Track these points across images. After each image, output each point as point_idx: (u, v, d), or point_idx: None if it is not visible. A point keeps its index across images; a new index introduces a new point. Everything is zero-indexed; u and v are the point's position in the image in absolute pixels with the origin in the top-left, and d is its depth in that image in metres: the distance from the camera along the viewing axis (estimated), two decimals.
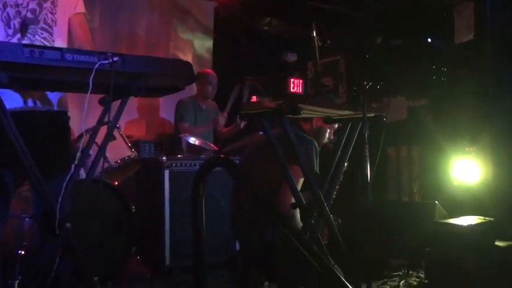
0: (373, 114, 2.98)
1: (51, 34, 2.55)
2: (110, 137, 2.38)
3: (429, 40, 4.97)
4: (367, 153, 3.04)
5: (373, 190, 3.08)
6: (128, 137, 4.24)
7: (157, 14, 6.06)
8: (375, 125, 3.06)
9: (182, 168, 4.09)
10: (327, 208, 2.74)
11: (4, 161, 2.40)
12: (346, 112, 2.93)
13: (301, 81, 3.26)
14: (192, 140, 4.48)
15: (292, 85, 3.27)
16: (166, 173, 4.01)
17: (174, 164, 4.04)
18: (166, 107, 5.75)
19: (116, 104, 2.27)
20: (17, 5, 2.50)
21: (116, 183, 4.09)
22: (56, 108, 2.55)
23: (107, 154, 3.80)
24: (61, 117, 2.59)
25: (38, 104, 2.48)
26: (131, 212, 3.81)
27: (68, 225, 2.15)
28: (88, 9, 2.78)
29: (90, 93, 2.01)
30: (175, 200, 3.98)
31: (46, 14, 2.54)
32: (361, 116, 2.90)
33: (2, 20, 2.47)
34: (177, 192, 3.98)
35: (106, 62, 2.02)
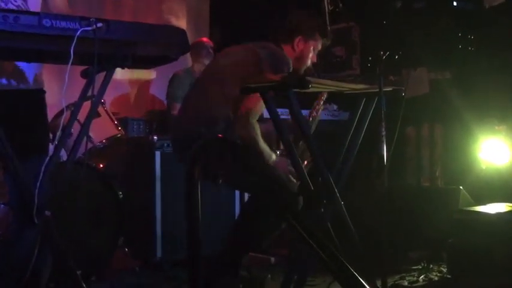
0: (390, 89, 2.97)
1: (26, 1, 2.53)
2: (93, 113, 2.38)
3: (455, 3, 4.93)
4: (384, 132, 3.04)
5: (390, 173, 3.08)
6: (114, 113, 4.24)
7: None
8: (393, 101, 3.06)
9: None
10: (338, 194, 2.74)
11: None
12: (360, 86, 2.92)
13: None
14: None
15: None
16: (158, 154, 4.01)
17: (166, 145, 4.04)
18: (157, 81, 5.75)
19: (100, 77, 2.26)
20: None
21: (101, 165, 4.10)
22: (31, 83, 2.55)
23: (91, 133, 3.80)
24: (37, 95, 2.58)
25: (12, 79, 2.49)
26: (118, 198, 3.82)
27: (47, 213, 2.17)
28: None
29: (71, 64, 2.01)
30: (167, 184, 3.99)
31: None
32: (377, 90, 2.89)
33: None
34: (169, 176, 3.99)
35: (89, 28, 2.02)
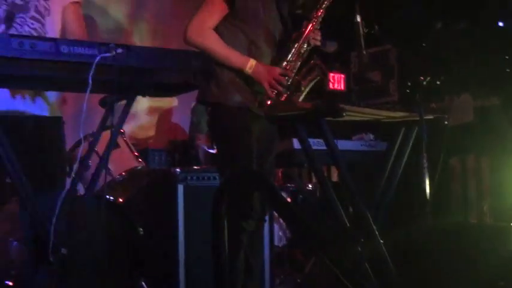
0: (431, 117, 2.95)
1: (43, 25, 2.59)
2: (113, 144, 2.41)
3: (501, 23, 4.91)
4: (426, 164, 3.01)
5: (433, 209, 3.05)
6: (134, 144, 4.28)
7: None
8: (435, 130, 3.03)
9: (199, 182, 4.10)
10: (376, 231, 2.72)
11: None
12: (399, 114, 2.90)
13: (342, 76, 3.25)
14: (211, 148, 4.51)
15: (332, 81, 3.26)
16: (181, 187, 4.02)
17: (189, 177, 4.05)
18: (180, 109, 5.79)
19: (120, 106, 2.29)
20: None
21: (121, 200, 4.12)
22: (48, 112, 2.59)
23: (110, 165, 3.83)
24: (54, 123, 2.63)
25: (29, 106, 2.53)
26: (138, 235, 3.83)
27: (63, 251, 2.18)
28: None
29: (90, 92, 2.03)
30: (191, 220, 3.99)
31: (38, 1, 2.59)
32: (418, 118, 2.87)
33: None
34: (193, 211, 3.99)
35: (108, 54, 2.05)
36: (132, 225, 3.78)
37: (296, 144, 3.74)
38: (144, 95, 2.28)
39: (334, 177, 4.63)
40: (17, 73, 2.01)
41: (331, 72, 3.24)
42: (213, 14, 3.00)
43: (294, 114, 2.73)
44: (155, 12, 6.15)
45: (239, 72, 2.96)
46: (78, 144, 3.71)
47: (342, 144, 3.44)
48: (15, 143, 2.15)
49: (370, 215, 2.72)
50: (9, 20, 2.52)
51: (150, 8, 6.12)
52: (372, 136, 4.53)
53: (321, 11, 3.10)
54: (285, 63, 3.02)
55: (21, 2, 2.56)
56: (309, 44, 3.08)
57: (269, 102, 2.95)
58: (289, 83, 2.99)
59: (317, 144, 3.17)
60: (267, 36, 3.09)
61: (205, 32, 2.97)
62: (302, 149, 2.85)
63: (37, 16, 2.59)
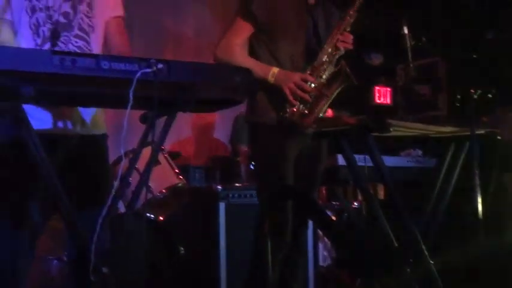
0: (483, 131, 2.91)
1: (88, 42, 2.64)
2: (153, 161, 2.43)
3: None
4: (478, 182, 2.97)
5: (485, 230, 2.99)
6: (174, 161, 4.31)
7: (208, 9, 6.20)
8: (487, 145, 2.99)
9: (241, 200, 4.11)
10: (426, 252, 2.68)
11: (30, 191, 2.50)
12: (449, 129, 2.87)
13: (389, 89, 3.23)
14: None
15: (377, 95, 3.25)
16: (222, 205, 4.04)
17: (231, 195, 4.07)
18: (221, 124, 5.83)
19: (160, 122, 2.31)
20: (48, 8, 2.60)
21: (161, 218, 4.15)
22: (90, 128, 2.64)
23: (150, 182, 3.87)
24: (98, 139, 2.68)
25: (69, 123, 2.58)
26: (179, 255, 3.86)
27: (104, 270, 2.20)
28: (125, 7, 2.88)
29: (130, 108, 2.06)
30: (233, 239, 4.00)
31: (81, 18, 2.64)
32: (468, 133, 2.84)
33: (31, 28, 2.58)
34: (235, 229, 4.00)
35: (149, 70, 2.06)
36: (173, 244, 3.81)
37: (341, 160, 3.72)
38: (185, 111, 2.29)
39: (381, 195, 4.59)
40: (58, 90, 2.05)
41: (377, 85, 3.21)
42: (239, 32, 3.13)
43: (338, 130, 2.72)
44: (196, 27, 6.22)
45: (274, 88, 2.97)
46: (118, 161, 3.78)
47: (389, 161, 3.41)
48: (58, 160, 2.19)
49: (419, 234, 2.69)
50: (54, 38, 2.57)
51: (190, 23, 6.21)
52: (420, 152, 4.48)
53: (352, 11, 3.08)
54: (310, 69, 3.02)
55: (65, 20, 2.61)
56: (337, 48, 3.05)
57: (293, 110, 2.95)
58: (312, 90, 2.98)
59: (363, 160, 3.15)
60: (299, 48, 3.10)
61: (231, 49, 3.09)
62: (347, 166, 2.84)
63: (81, 34, 2.63)
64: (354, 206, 4.87)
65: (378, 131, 2.60)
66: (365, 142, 2.66)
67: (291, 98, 2.96)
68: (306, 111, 2.96)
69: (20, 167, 2.45)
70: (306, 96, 2.95)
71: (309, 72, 3.00)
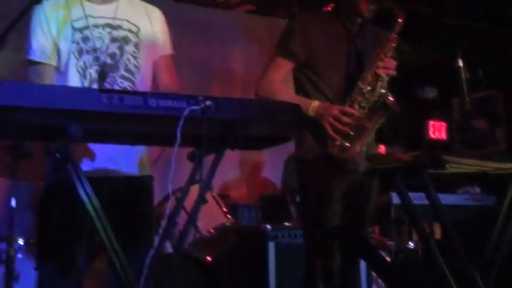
0: None
1: (134, 83, 2.70)
2: (201, 200, 2.44)
3: None
4: None
5: None
6: (222, 199, 4.33)
7: (256, 44, 6.26)
8: None
9: (291, 240, 4.09)
10: None
11: (77, 233, 2.55)
12: (509, 165, 2.82)
13: (443, 124, 3.20)
14: None
15: (432, 129, 3.21)
16: (272, 245, 4.02)
17: (280, 235, 4.05)
18: (270, 162, 5.84)
19: (208, 159, 2.33)
20: (95, 50, 2.67)
21: (209, 258, 4.16)
22: (137, 167, 2.68)
23: (198, 222, 3.89)
24: (143, 180, 2.71)
25: (117, 162, 2.62)
26: None
27: None
28: (173, 45, 2.93)
29: (178, 146, 2.08)
30: (283, 280, 3.97)
31: (128, 58, 2.70)
32: None
33: (78, 71, 2.65)
34: (285, 270, 3.98)
35: (197, 107, 2.08)
36: (221, 285, 3.80)
37: (395, 198, 3.68)
38: (233, 148, 2.30)
39: (438, 234, 4.51)
40: (106, 128, 2.09)
41: (432, 120, 3.18)
42: (279, 69, 3.17)
43: (392, 167, 2.70)
44: (244, 63, 6.29)
45: (317, 123, 2.97)
46: (165, 199, 3.81)
47: (446, 199, 3.36)
48: (104, 201, 2.21)
49: (479, 276, 2.63)
50: (100, 79, 2.63)
51: (238, 59, 6.28)
52: (478, 189, 4.40)
53: (392, 35, 3.06)
54: (350, 100, 3.00)
55: (111, 61, 2.67)
56: (378, 76, 3.02)
57: (335, 144, 2.93)
58: (352, 122, 2.95)
59: (418, 198, 3.11)
60: (342, 78, 3.10)
61: (271, 86, 3.13)
62: (402, 204, 2.81)
63: (127, 75, 2.69)
64: (409, 246, 4.80)
65: (433, 167, 2.57)
66: (420, 179, 2.63)
67: (330, 132, 2.95)
68: (348, 145, 2.94)
69: (66, 208, 2.50)
70: (346, 129, 2.94)
71: (349, 103, 2.99)
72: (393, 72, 3.05)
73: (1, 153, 3.93)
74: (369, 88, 2.99)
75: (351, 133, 2.93)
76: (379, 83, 3.01)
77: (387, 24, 3.06)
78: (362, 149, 2.95)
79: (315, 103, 3.01)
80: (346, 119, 2.93)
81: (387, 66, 3.03)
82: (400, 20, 3.02)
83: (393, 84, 3.08)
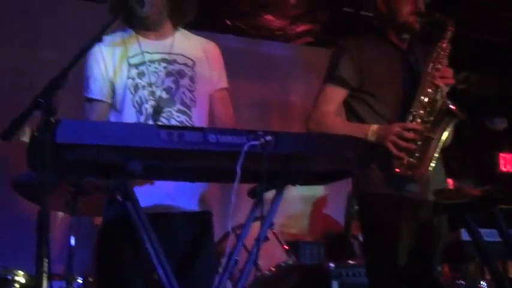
0: None
1: (190, 117, 2.73)
2: (262, 237, 2.43)
3: None
4: None
5: None
6: (284, 237, 4.31)
7: (316, 76, 6.25)
8: None
9: (356, 279, 4.04)
10: None
11: (135, 272, 2.57)
12: None
13: None
14: None
15: (503, 162, 3.14)
16: (335, 284, 3.98)
17: (344, 273, 4.01)
18: (333, 198, 5.80)
19: (269, 195, 2.32)
20: (150, 85, 2.72)
21: None
22: (197, 203, 2.69)
23: (258, 260, 3.87)
24: (203, 217, 2.73)
25: (177, 200, 2.64)
26: None
27: None
28: (229, 77, 2.96)
29: (238, 182, 2.08)
30: None
31: (184, 92, 2.75)
32: None
33: (134, 106, 2.70)
34: None
35: (256, 142, 2.09)
36: None
37: (465, 235, 3.60)
38: (294, 184, 2.30)
39: (511, 273, 4.39)
40: (164, 165, 2.11)
41: (502, 152, 3.12)
42: (330, 99, 3.13)
43: (461, 202, 2.64)
44: (304, 95, 6.30)
45: (379, 149, 2.92)
46: (225, 237, 3.82)
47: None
48: (163, 238, 2.23)
49: None
50: (156, 114, 2.67)
51: (298, 91, 6.30)
52: None
53: (444, 43, 3.02)
54: (410, 115, 2.95)
55: (167, 96, 2.71)
56: (437, 86, 2.96)
57: (403, 163, 2.88)
58: (416, 136, 2.89)
59: (490, 235, 3.04)
60: (398, 96, 3.06)
61: (324, 119, 3.09)
62: (472, 241, 2.74)
63: (183, 108, 2.73)
64: (481, 286, 4.68)
65: (505, 202, 2.51)
66: (492, 215, 2.57)
67: (395, 151, 2.89)
68: (415, 162, 2.88)
69: (125, 245, 2.53)
70: (411, 145, 2.88)
71: (410, 118, 2.95)
72: (452, 81, 3.00)
73: (61, 189, 4.02)
74: (429, 100, 2.95)
75: (417, 149, 2.88)
76: (439, 94, 2.96)
77: (437, 35, 3.03)
78: (430, 165, 2.89)
79: (374, 126, 2.97)
80: (409, 135, 2.88)
81: (445, 75, 2.99)
82: (450, 28, 3.00)
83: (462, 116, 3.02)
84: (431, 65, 2.99)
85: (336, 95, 3.13)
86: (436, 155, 2.91)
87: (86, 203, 4.22)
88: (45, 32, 5.64)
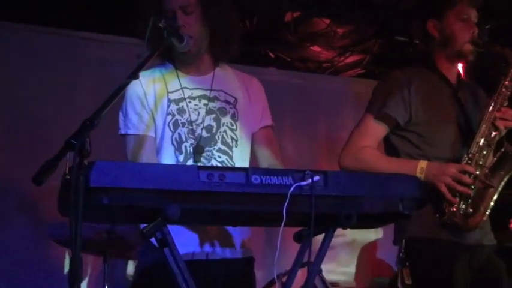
0: None
1: (231, 157, 2.72)
2: (310, 285, 2.40)
3: None
4: None
5: None
6: (333, 284, 4.26)
7: (363, 109, 6.23)
8: None
9: None
10: None
11: None
12: None
13: None
14: None
15: None
16: None
17: None
18: (385, 242, 5.71)
19: (317, 241, 2.29)
20: (191, 123, 2.72)
21: None
22: (239, 251, 2.67)
23: None
24: (244, 264, 2.70)
25: (217, 246, 2.62)
26: None
27: None
28: (275, 112, 2.95)
29: (284, 226, 2.06)
30: None
31: (225, 131, 2.74)
32: None
33: (173, 144, 2.70)
34: None
35: (304, 183, 2.07)
36: None
37: None
38: (345, 228, 2.26)
39: None
40: (205, 208, 2.09)
41: None
42: (371, 134, 3.04)
43: None
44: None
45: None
46: (271, 284, 3.78)
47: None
48: (201, 287, 2.20)
49: None
50: (197, 154, 2.66)
51: (347, 127, 6.26)
52: None
53: (508, 81, 2.94)
54: (466, 157, 2.87)
55: (207, 134, 2.71)
56: (496, 128, 2.90)
57: (453, 210, 2.79)
58: (474, 182, 2.82)
59: None
60: (450, 134, 2.99)
61: (361, 153, 2.98)
62: None
63: (224, 148, 2.72)
64: None
65: None
66: None
67: (448, 195, 2.81)
68: (471, 210, 2.80)
69: None
70: (467, 191, 2.80)
71: (465, 161, 2.87)
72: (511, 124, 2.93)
73: (96, 235, 4.04)
74: (486, 142, 2.88)
75: (471, 195, 2.81)
76: (497, 137, 2.89)
77: (499, 70, 2.98)
78: (486, 214, 2.81)
79: (423, 163, 2.89)
80: (467, 179, 2.81)
81: (505, 117, 2.92)
82: None
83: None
84: (492, 104, 2.93)
85: (378, 131, 3.05)
86: (492, 203, 2.83)
87: (118, 247, 4.24)
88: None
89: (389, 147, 3.10)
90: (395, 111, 3.00)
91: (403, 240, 3.01)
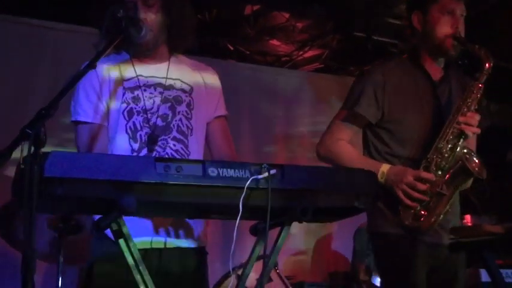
0: None
1: (186, 146, 2.71)
2: (265, 278, 2.40)
3: None
4: None
5: None
6: (288, 277, 4.27)
7: (324, 104, 6.26)
8: None
9: None
10: None
11: None
12: None
13: None
14: (379, 281, 4.41)
15: None
16: None
17: None
18: (340, 235, 5.76)
19: (272, 234, 2.30)
20: (146, 111, 2.70)
21: None
22: (194, 240, 2.66)
23: None
24: (197, 254, 2.69)
25: (172, 235, 2.61)
26: None
27: None
28: (232, 104, 2.93)
29: (240, 219, 2.06)
30: None
31: (180, 119, 2.73)
32: None
33: (127, 132, 2.68)
34: None
35: (261, 176, 2.07)
36: None
37: (484, 276, 3.56)
38: (301, 221, 2.26)
39: None
40: (161, 200, 2.08)
41: None
42: (345, 128, 3.11)
43: (480, 240, 2.62)
44: (310, 124, 6.30)
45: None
46: (226, 277, 3.78)
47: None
48: (156, 276, 2.19)
49: None
50: (151, 143, 2.65)
51: (305, 120, 6.29)
52: None
53: (480, 84, 2.95)
54: (424, 162, 2.90)
55: (163, 123, 2.70)
56: (460, 133, 2.91)
57: (407, 212, 2.84)
58: (429, 188, 2.85)
59: (511, 275, 3.01)
60: (420, 139, 3.02)
61: (335, 145, 3.07)
62: (492, 283, 2.71)
63: (179, 137, 2.71)
64: None
65: None
66: None
67: (406, 200, 2.86)
68: (423, 212, 2.84)
69: (115, 283, 2.48)
70: (422, 197, 2.85)
71: (424, 164, 2.90)
72: (476, 130, 2.94)
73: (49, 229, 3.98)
74: (450, 146, 2.90)
75: (427, 200, 2.84)
76: (461, 141, 2.91)
77: (471, 70, 3.00)
78: (439, 218, 2.85)
79: (385, 167, 2.94)
80: (421, 186, 2.85)
81: (469, 122, 2.92)
82: (487, 66, 2.93)
83: (481, 148, 2.98)
84: (458, 107, 2.94)
85: (351, 127, 3.12)
86: (446, 208, 2.87)
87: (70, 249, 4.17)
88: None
89: (364, 141, 3.16)
90: (366, 111, 3.05)
91: (372, 233, 3.10)
